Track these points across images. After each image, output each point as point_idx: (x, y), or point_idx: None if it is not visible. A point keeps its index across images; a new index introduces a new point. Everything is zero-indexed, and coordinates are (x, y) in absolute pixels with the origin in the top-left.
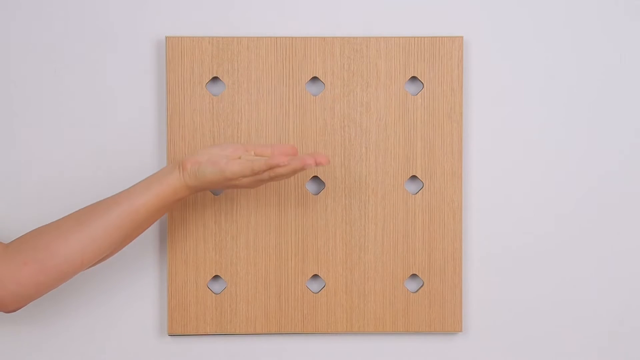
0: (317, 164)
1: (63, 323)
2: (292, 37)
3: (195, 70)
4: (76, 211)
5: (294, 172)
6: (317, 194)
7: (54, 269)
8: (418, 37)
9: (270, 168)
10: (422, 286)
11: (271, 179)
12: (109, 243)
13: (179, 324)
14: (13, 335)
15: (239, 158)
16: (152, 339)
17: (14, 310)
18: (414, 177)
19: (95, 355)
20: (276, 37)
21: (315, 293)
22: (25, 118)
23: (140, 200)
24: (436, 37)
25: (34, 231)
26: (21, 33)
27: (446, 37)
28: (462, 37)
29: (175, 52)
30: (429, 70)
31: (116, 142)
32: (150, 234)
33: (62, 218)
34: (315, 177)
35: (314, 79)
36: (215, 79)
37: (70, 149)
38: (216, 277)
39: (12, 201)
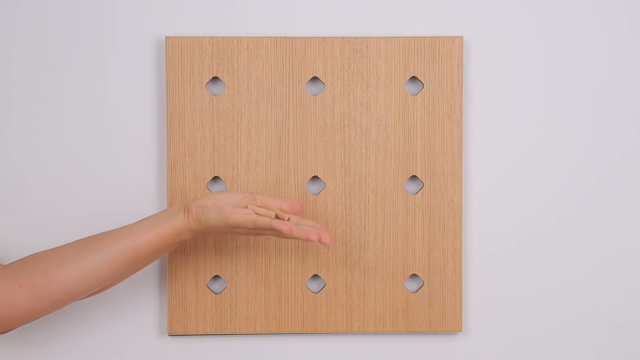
0: (319, 241)
1: (63, 323)
2: (292, 37)
3: (195, 70)
4: (78, 240)
5: (296, 238)
6: (317, 194)
7: (49, 296)
8: (418, 37)
9: (273, 229)
10: (422, 286)
11: (273, 235)
12: (107, 275)
13: (179, 324)
14: (12, 333)
15: (246, 207)
16: (152, 339)
17: (4, 333)
18: (414, 177)
19: (95, 355)
20: (276, 37)
21: (315, 293)
22: (25, 118)
23: (143, 237)
24: (436, 37)
25: (33, 255)
26: (21, 33)
27: (446, 37)
28: (462, 37)
29: (175, 52)
30: (429, 70)
31: (116, 142)
32: None
33: (64, 245)
34: (315, 177)
35: (314, 79)
36: (215, 79)
37: (69, 149)
38: (216, 277)
39: (10, 201)
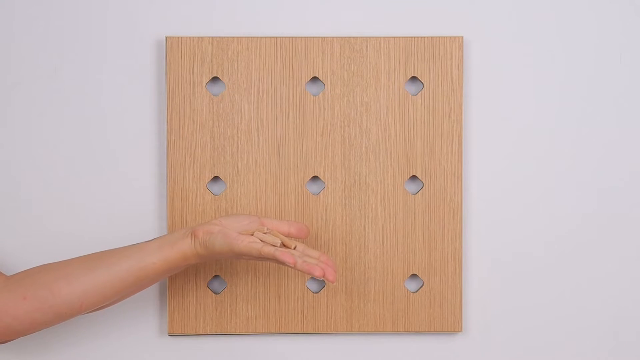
0: (324, 277)
1: (63, 323)
2: (292, 37)
3: (195, 70)
4: (84, 255)
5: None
6: (317, 194)
7: (52, 309)
8: (418, 37)
9: (277, 260)
10: (422, 286)
11: (277, 263)
12: (112, 293)
13: (179, 324)
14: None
15: (252, 234)
16: (152, 339)
17: (4, 342)
18: (414, 177)
19: (95, 355)
20: (276, 37)
21: (315, 293)
22: (25, 118)
23: (150, 259)
24: (436, 37)
25: (39, 267)
26: (21, 33)
27: (446, 37)
28: (462, 37)
29: (175, 52)
30: (429, 70)
31: (116, 142)
32: (151, 235)
33: (70, 259)
34: (315, 177)
35: (314, 79)
36: (215, 79)
37: (69, 149)
38: (216, 277)
39: (9, 203)
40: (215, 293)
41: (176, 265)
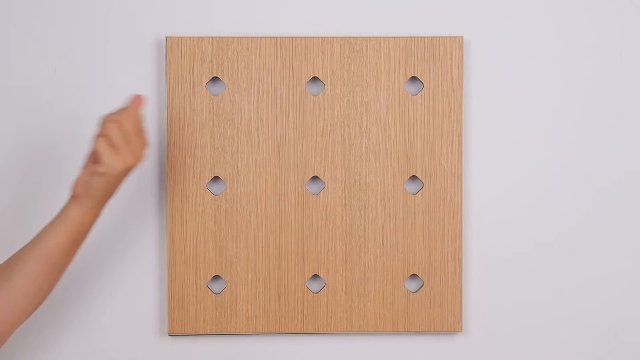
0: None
1: (63, 323)
2: (292, 37)
3: (195, 70)
4: None
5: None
6: (317, 194)
7: None
8: (418, 37)
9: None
10: (422, 286)
11: (122, 135)
12: (35, 291)
13: (179, 324)
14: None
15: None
16: (152, 339)
17: None
18: (414, 177)
19: (95, 355)
20: (276, 37)
21: (315, 293)
22: (25, 117)
23: (51, 241)
24: (436, 37)
25: None
26: (21, 32)
27: (446, 37)
28: (462, 37)
29: (175, 52)
30: (429, 70)
31: None
32: (150, 234)
33: None
34: (315, 177)
35: (314, 79)
36: (215, 79)
37: (69, 149)
38: (216, 277)
39: (8, 201)
40: (215, 293)
41: (77, 233)
